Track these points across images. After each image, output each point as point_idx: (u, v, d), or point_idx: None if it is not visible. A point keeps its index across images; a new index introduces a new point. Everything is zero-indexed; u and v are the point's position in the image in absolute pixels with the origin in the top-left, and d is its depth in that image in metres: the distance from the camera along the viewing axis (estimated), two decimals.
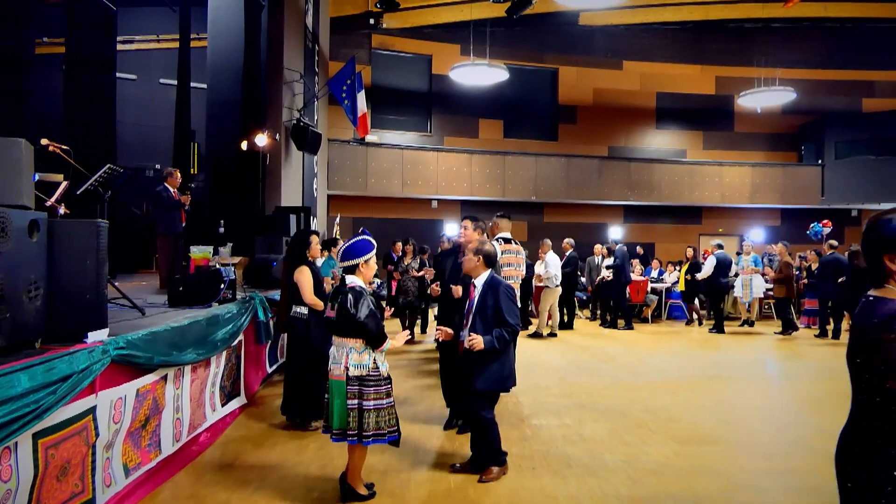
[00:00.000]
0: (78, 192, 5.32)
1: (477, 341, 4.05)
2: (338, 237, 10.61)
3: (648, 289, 13.67)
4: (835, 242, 12.00)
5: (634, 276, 13.58)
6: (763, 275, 12.67)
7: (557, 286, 11.44)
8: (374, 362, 3.79)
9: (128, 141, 13.33)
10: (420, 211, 17.29)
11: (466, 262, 4.36)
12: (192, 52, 13.34)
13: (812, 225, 15.15)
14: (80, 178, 5.43)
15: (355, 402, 3.73)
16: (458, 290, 5.11)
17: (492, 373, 4.20)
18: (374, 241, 4.03)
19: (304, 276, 5.24)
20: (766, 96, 17.23)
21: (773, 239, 17.87)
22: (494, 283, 4.29)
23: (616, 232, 18.85)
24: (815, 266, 12.16)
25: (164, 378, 4.28)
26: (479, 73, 15.52)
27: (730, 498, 4.07)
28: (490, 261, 4.35)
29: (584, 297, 14.60)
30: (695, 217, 19.41)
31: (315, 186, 13.54)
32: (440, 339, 4.37)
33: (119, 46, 11.73)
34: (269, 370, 7.30)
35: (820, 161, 18.91)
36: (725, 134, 19.95)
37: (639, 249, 16.30)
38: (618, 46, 19.14)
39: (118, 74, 10.88)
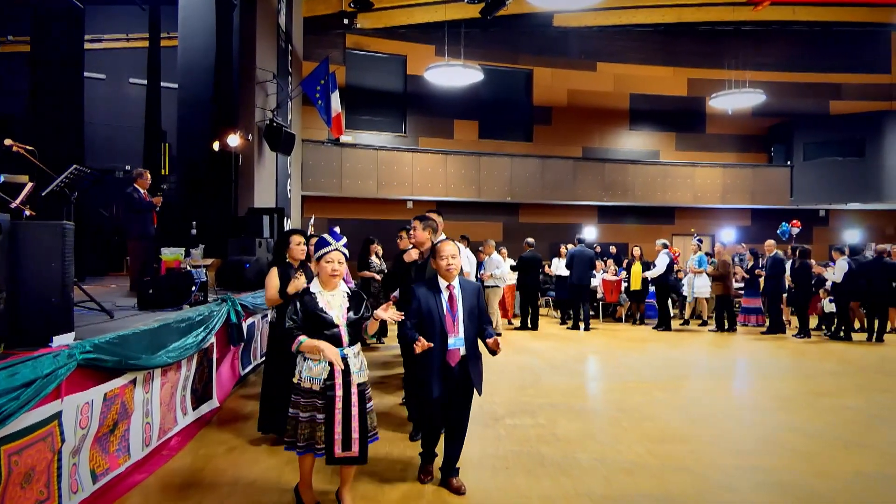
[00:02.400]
0: (43, 194, 5.20)
1: (498, 342, 3.98)
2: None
3: (622, 288, 13.79)
4: (773, 242, 12.36)
5: (608, 277, 13.70)
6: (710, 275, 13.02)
7: (497, 286, 11.58)
8: (301, 369, 3.59)
9: (97, 141, 13.10)
10: (395, 212, 17.23)
11: (457, 266, 4.08)
12: (162, 51, 13.17)
13: (781, 225, 15.45)
14: (46, 180, 5.31)
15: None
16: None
17: (481, 374, 4.18)
18: (331, 240, 3.68)
19: (267, 279, 5.02)
20: (737, 98, 17.49)
21: (744, 239, 18.19)
22: (470, 284, 4.20)
23: (590, 232, 19.01)
24: (750, 265, 12.67)
25: (133, 382, 4.21)
26: (454, 74, 15.53)
27: (701, 495, 4.12)
28: None
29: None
30: (668, 217, 19.65)
31: (289, 187, 13.43)
32: (418, 352, 3.84)
33: (87, 45, 11.54)
34: (242, 373, 7.23)
35: (789, 162, 19.27)
36: (697, 135, 20.22)
37: (612, 249, 16.46)
38: (591, 48, 19.31)
39: (86, 74, 10.70)
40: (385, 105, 18.17)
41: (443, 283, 4.08)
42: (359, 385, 3.61)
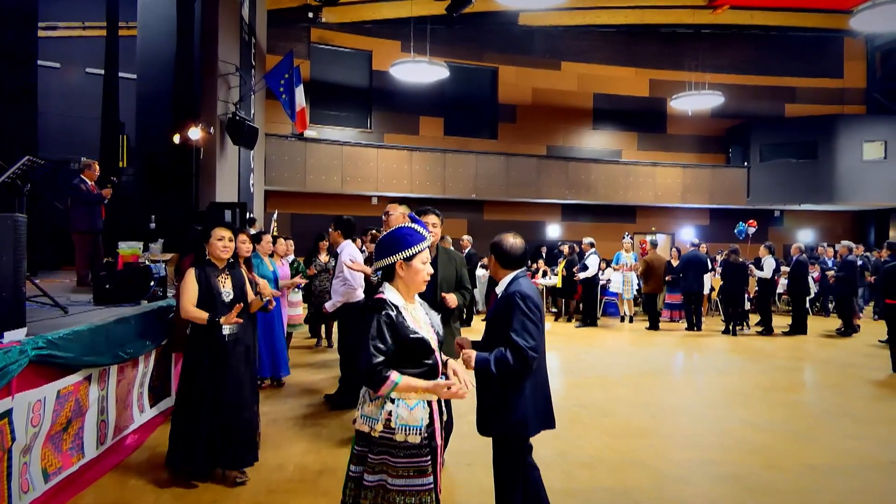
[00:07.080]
0: None
1: (470, 356, 3.02)
2: (275, 234, 10.39)
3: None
4: (696, 241, 12.82)
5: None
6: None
7: None
8: (389, 416, 2.47)
9: (52, 132, 12.69)
10: (360, 208, 17.12)
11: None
12: (120, 40, 12.81)
13: (738, 224, 15.81)
14: None
15: (358, 469, 2.55)
16: (452, 299, 4.11)
17: (489, 410, 3.22)
18: (421, 232, 2.63)
19: (182, 284, 4.14)
20: (697, 100, 17.83)
21: (702, 238, 18.56)
22: (511, 289, 3.17)
23: (554, 230, 19.20)
24: (675, 262, 12.94)
25: (88, 379, 4.12)
26: (419, 71, 15.49)
27: (659, 489, 4.20)
28: (507, 260, 3.24)
29: None
30: (629, 216, 19.93)
31: (252, 182, 13.24)
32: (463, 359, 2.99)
33: (41, 33, 11.19)
34: None
35: (746, 163, 19.73)
36: (658, 135, 20.55)
37: (574, 248, 16.63)
38: (556, 47, 19.47)
39: (40, 62, 10.36)
40: (350, 100, 18.04)
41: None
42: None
